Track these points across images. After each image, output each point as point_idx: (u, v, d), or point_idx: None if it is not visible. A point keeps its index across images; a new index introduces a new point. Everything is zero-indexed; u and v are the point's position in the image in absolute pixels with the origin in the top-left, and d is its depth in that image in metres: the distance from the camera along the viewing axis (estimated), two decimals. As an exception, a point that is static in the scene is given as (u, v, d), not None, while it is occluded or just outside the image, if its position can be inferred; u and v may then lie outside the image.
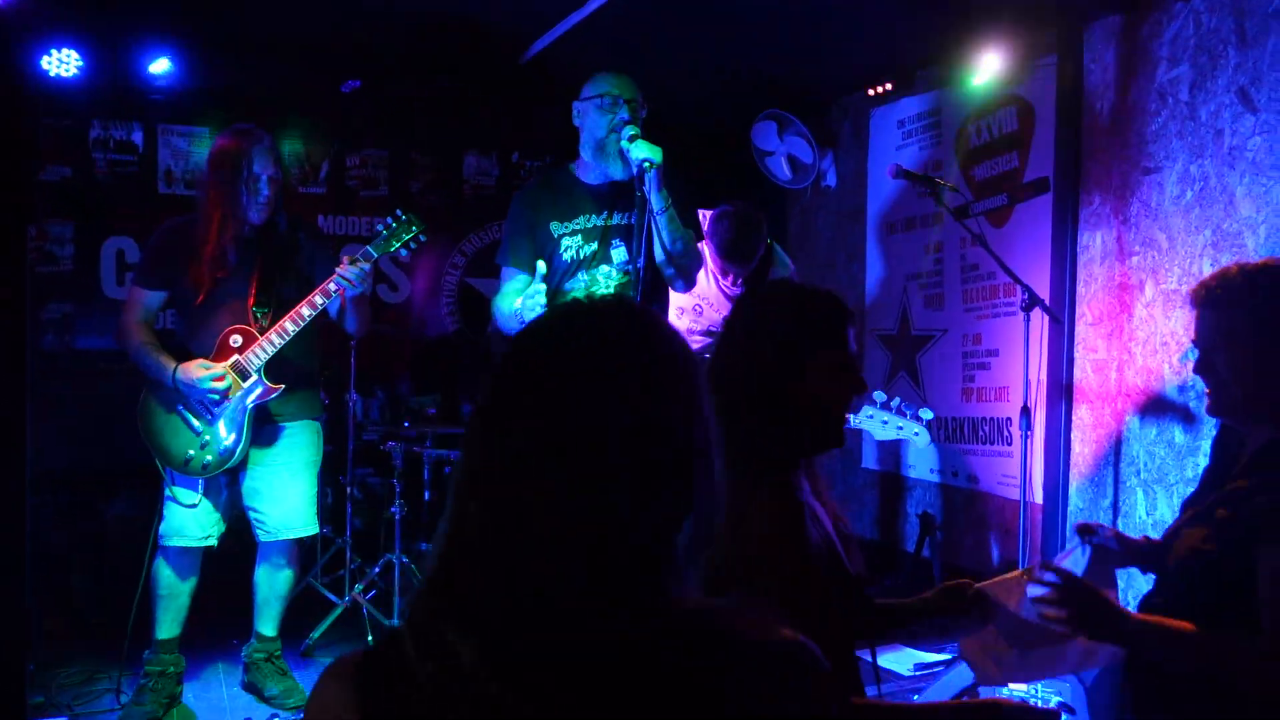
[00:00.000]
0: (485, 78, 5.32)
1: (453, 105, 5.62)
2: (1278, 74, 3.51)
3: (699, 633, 0.94)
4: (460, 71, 5.29)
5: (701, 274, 3.91)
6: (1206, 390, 1.89)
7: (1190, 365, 1.91)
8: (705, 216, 3.94)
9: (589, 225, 3.23)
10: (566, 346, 1.00)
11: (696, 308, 3.92)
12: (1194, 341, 1.89)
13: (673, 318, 3.94)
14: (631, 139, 3.02)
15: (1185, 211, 3.84)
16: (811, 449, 1.78)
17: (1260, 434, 1.83)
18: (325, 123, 5.55)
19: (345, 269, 3.35)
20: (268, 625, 3.62)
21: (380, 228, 3.51)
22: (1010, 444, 4.60)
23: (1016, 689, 3.19)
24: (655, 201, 3.00)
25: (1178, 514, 2.02)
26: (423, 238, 3.53)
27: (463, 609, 0.95)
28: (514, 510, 0.94)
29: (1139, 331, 4.02)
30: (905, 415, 3.30)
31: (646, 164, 2.96)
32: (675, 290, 3.33)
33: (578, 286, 3.23)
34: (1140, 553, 2.09)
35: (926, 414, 3.31)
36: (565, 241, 3.23)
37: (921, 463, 5.14)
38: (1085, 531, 2.06)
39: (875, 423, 3.36)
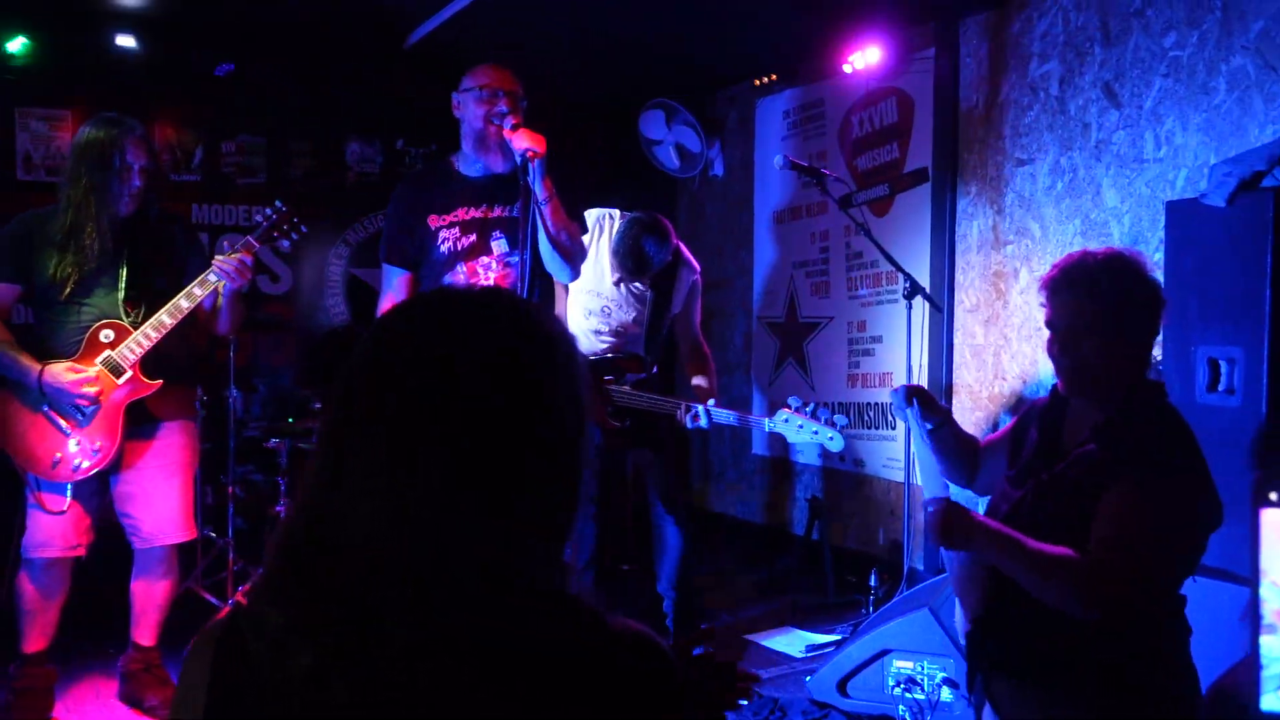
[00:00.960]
0: (368, 62, 5.20)
1: (334, 90, 5.46)
2: (1139, 71, 3.68)
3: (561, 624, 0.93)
4: (342, 56, 5.16)
5: (608, 276, 3.88)
6: (1057, 370, 2.00)
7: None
8: (612, 218, 3.91)
9: (467, 217, 3.19)
10: (447, 326, 0.97)
11: (604, 309, 3.87)
12: (1047, 325, 2.00)
13: (578, 319, 3.90)
14: (514, 128, 2.98)
15: (1056, 202, 3.99)
16: None
17: (1100, 409, 1.95)
18: (198, 107, 5.34)
19: (225, 261, 3.22)
20: (145, 635, 3.47)
21: (260, 218, 3.40)
22: (894, 428, 4.72)
23: (903, 665, 3.29)
24: (539, 191, 2.97)
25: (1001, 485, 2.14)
26: (304, 229, 3.44)
27: (303, 595, 0.93)
28: (387, 499, 0.92)
29: (1014, 317, 4.17)
30: (820, 420, 3.37)
31: (529, 153, 2.93)
32: (559, 280, 3.31)
33: (458, 278, 3.18)
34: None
35: (840, 419, 3.38)
36: (443, 234, 3.18)
37: (810, 448, 5.24)
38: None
39: (791, 427, 3.42)
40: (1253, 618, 0.83)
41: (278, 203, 3.43)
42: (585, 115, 5.82)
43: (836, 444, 3.38)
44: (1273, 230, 2.78)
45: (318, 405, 4.90)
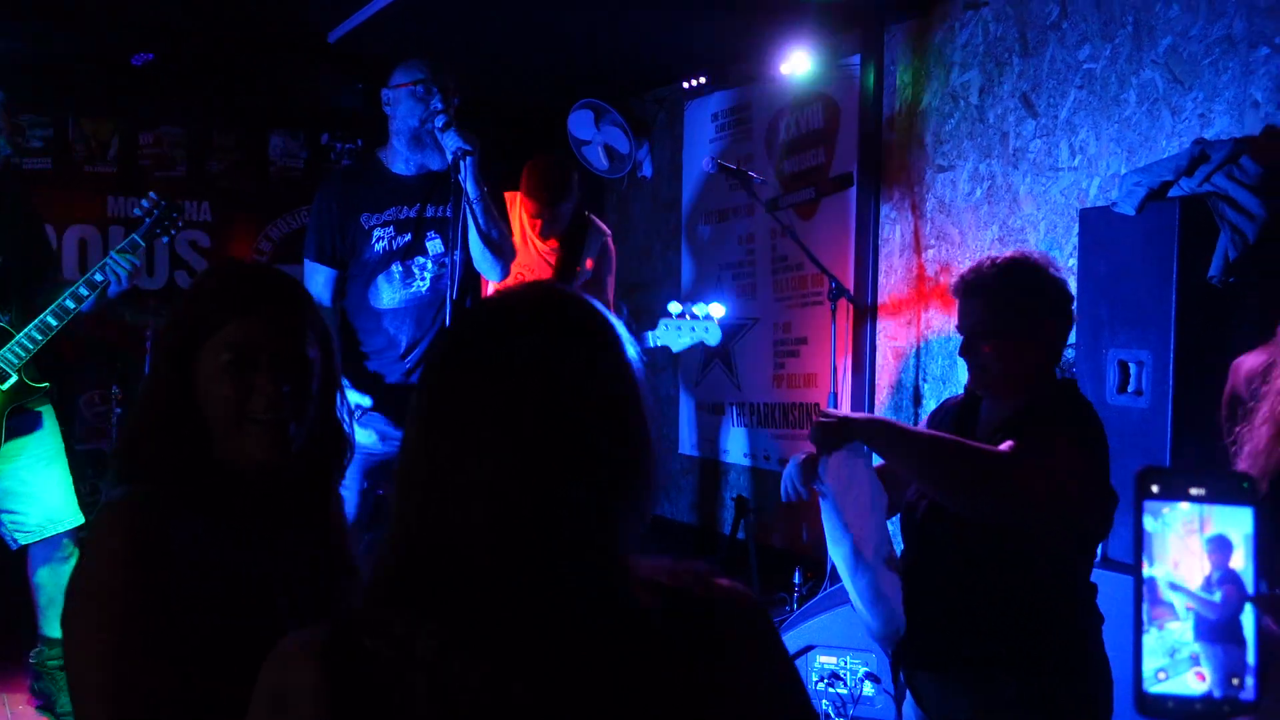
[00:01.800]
0: (292, 55, 5.11)
1: (257, 82, 5.36)
2: (1055, 82, 3.79)
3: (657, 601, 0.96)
4: (265, 48, 5.06)
5: (520, 241, 3.89)
6: (968, 370, 2.06)
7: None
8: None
9: (401, 216, 3.16)
10: (545, 324, 0.99)
11: (519, 276, 3.94)
12: (958, 328, 2.06)
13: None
14: (445, 126, 2.96)
15: (975, 208, 4.10)
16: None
17: (1012, 405, 2.01)
18: (114, 97, 5.19)
19: (118, 263, 3.12)
20: (56, 626, 3.37)
21: (138, 211, 3.28)
22: (818, 428, 4.79)
23: (826, 661, 3.34)
24: (471, 190, 2.96)
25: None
26: (180, 222, 3.35)
27: (416, 598, 0.94)
28: (466, 498, 0.94)
29: (935, 320, 4.27)
30: (696, 318, 3.42)
31: (461, 152, 2.92)
32: (490, 279, 3.30)
33: (392, 279, 3.15)
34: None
35: (718, 312, 3.43)
36: (377, 233, 3.14)
37: (736, 447, 5.30)
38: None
39: (671, 333, 3.48)
40: (1135, 605, 0.87)
41: (151, 194, 3.32)
42: (513, 114, 5.80)
43: (713, 336, 3.46)
44: (1178, 238, 2.90)
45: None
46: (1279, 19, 3.13)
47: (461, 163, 2.91)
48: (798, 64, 4.59)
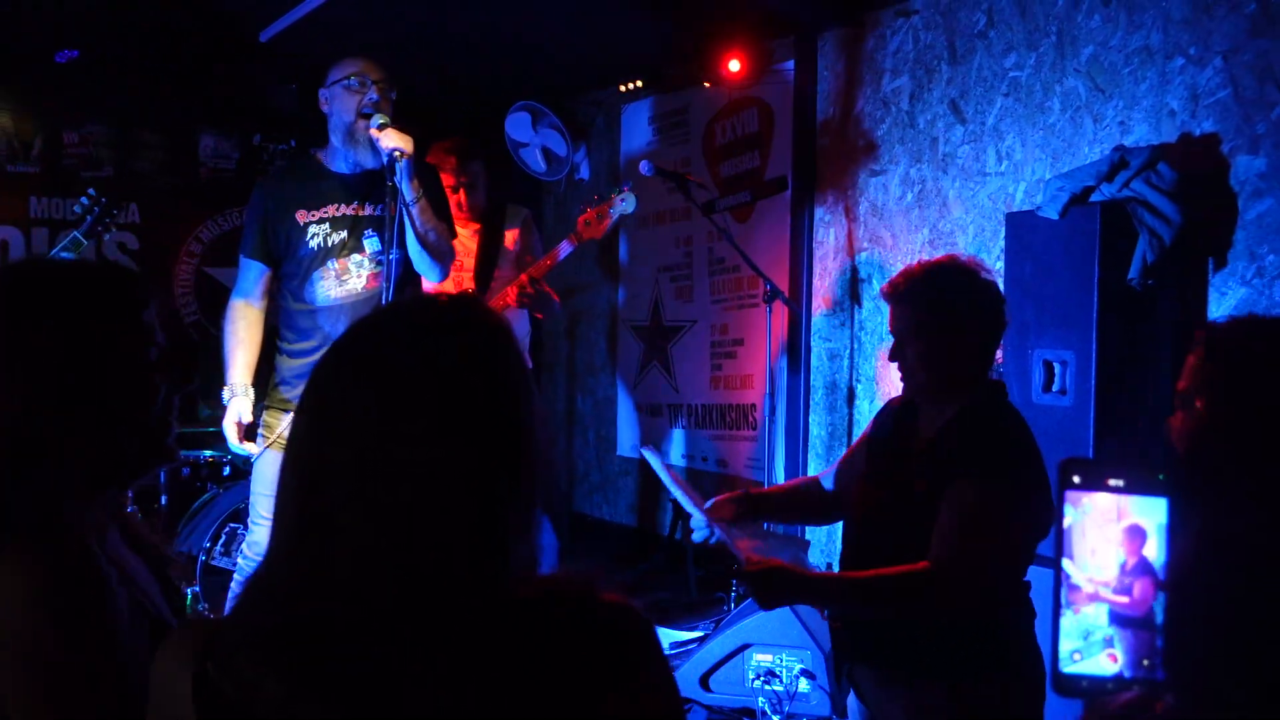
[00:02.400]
0: (224, 53, 5.03)
1: (187, 81, 5.26)
2: (982, 89, 3.89)
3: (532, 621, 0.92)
4: (196, 45, 4.97)
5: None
6: (900, 374, 2.10)
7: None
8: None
9: (338, 214, 3.14)
10: (415, 333, 0.96)
11: (458, 264, 4.05)
12: (891, 332, 2.10)
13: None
14: (381, 128, 2.95)
15: (907, 212, 4.18)
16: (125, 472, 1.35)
17: (946, 409, 2.05)
18: (37, 95, 5.06)
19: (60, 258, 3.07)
20: None
21: (78, 209, 3.23)
22: (755, 429, 4.85)
23: (762, 659, 3.38)
24: (407, 192, 2.95)
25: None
26: (121, 218, 3.31)
27: (269, 638, 0.90)
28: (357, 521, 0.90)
29: (868, 322, 4.34)
30: (622, 191, 3.85)
31: (397, 154, 2.91)
32: (430, 279, 3.29)
33: (327, 276, 3.12)
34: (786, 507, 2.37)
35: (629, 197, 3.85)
36: (311, 229, 3.12)
37: (674, 449, 5.33)
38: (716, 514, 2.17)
39: (595, 225, 3.82)
40: (1054, 590, 0.91)
41: (90, 190, 3.27)
42: (450, 115, 5.77)
43: (630, 204, 3.81)
44: (1100, 241, 2.99)
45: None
46: (1193, 31, 3.25)
47: (397, 164, 2.90)
48: (733, 69, 4.64)
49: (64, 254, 3.10)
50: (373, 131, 2.95)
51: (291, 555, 0.92)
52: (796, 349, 4.52)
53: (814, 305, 4.56)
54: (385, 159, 2.92)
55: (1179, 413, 1.37)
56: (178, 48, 5.01)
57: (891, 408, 2.24)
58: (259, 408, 3.22)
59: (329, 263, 3.12)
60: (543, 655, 0.89)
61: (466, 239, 4.06)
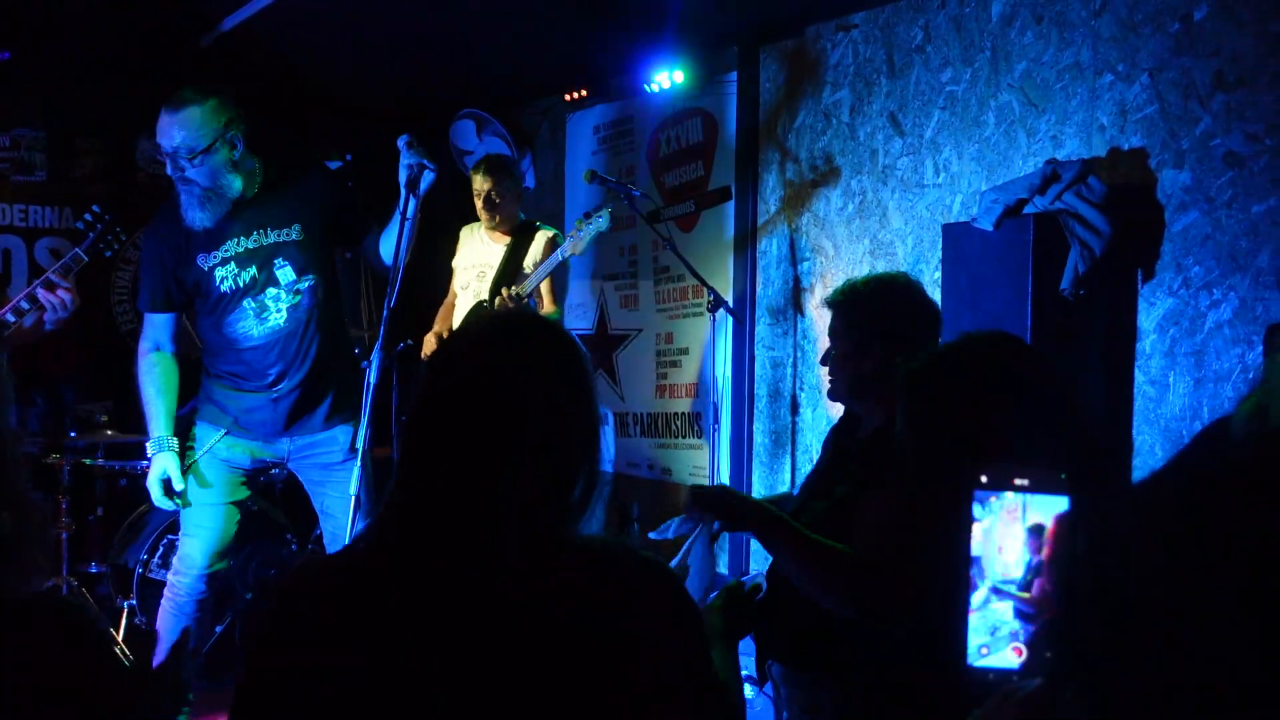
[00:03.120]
0: (163, 56, 4.95)
1: (124, 84, 5.17)
2: (920, 102, 3.96)
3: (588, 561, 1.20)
4: (135, 49, 4.89)
5: (475, 240, 4.22)
6: (829, 379, 2.16)
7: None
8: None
9: (240, 250, 3.04)
10: (502, 349, 1.26)
11: (480, 274, 4.04)
12: (829, 337, 2.17)
13: (459, 287, 4.20)
14: (410, 145, 2.90)
15: (848, 222, 4.25)
16: None
17: (871, 420, 2.11)
18: (-33, 98, 4.95)
19: (49, 295, 2.97)
20: None
21: (80, 225, 3.15)
22: (700, 436, 4.88)
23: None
24: (415, 206, 2.92)
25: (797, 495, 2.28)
26: (124, 236, 3.23)
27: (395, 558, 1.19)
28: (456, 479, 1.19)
29: (810, 331, 4.40)
30: (596, 215, 3.89)
31: (421, 166, 2.86)
32: (377, 267, 3.27)
33: (246, 316, 3.04)
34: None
35: (606, 211, 3.91)
36: (219, 273, 3.02)
37: (620, 456, 5.34)
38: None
39: (587, 236, 3.89)
40: (962, 587, 0.95)
41: (94, 207, 3.19)
42: (393, 122, 5.74)
43: (605, 221, 3.89)
44: (1032, 252, 3.07)
45: (102, 419, 4.62)
46: (1121, 49, 3.35)
47: (419, 179, 2.85)
48: (677, 80, 4.68)
49: (54, 275, 3.02)
50: (401, 148, 2.88)
51: (406, 499, 1.23)
52: (741, 357, 4.56)
53: (757, 314, 4.61)
54: (408, 174, 2.86)
55: None
56: (116, 50, 4.93)
57: (836, 424, 2.30)
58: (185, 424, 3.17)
59: (244, 302, 3.02)
60: (588, 581, 1.18)
61: (491, 253, 4.11)
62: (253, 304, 3.02)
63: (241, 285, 3.01)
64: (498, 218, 4.13)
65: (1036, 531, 0.93)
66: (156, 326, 3.10)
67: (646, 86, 4.81)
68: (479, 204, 4.14)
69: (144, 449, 4.36)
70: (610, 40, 4.64)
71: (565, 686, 1.13)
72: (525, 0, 4.21)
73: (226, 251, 3.01)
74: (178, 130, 2.91)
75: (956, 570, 0.94)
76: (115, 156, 5.35)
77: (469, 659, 1.13)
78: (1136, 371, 3.31)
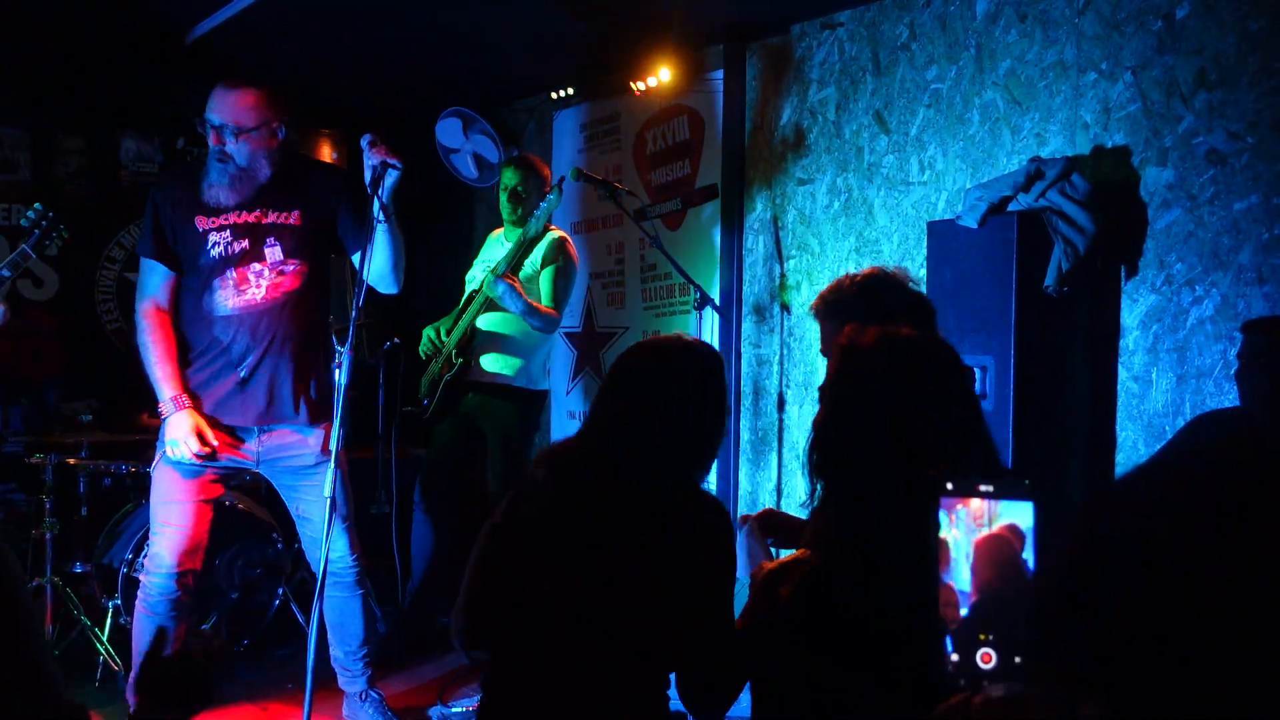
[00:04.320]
0: (146, 54, 4.93)
1: (108, 82, 5.15)
2: (905, 100, 3.98)
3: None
4: (118, 47, 4.87)
5: (501, 243, 4.26)
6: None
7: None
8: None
9: (240, 221, 3.09)
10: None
11: (487, 269, 4.09)
12: (823, 352, 2.13)
13: (469, 281, 4.23)
14: (372, 144, 2.94)
15: (834, 220, 4.26)
16: None
17: None
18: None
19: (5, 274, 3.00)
20: None
21: (24, 223, 3.16)
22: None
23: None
24: (387, 203, 2.94)
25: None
26: (66, 234, 3.26)
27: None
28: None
29: (797, 328, 4.41)
30: (549, 196, 3.93)
31: (381, 165, 2.89)
32: (385, 291, 3.26)
33: (227, 285, 3.06)
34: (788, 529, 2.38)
35: (554, 192, 3.94)
36: (212, 237, 3.07)
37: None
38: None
39: (543, 215, 3.93)
40: (931, 593, 0.96)
41: (37, 205, 3.21)
42: (379, 120, 5.73)
43: (553, 197, 3.93)
44: (1017, 250, 3.09)
45: (87, 419, 4.60)
46: (1104, 47, 3.37)
47: (383, 178, 2.89)
48: (663, 78, 4.69)
49: (5, 270, 3.03)
50: (364, 147, 2.94)
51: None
52: (728, 355, 4.57)
53: (744, 311, 4.62)
54: (369, 172, 2.90)
55: None
56: (98, 48, 4.90)
57: None
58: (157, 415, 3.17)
59: (229, 272, 3.07)
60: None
61: (504, 250, 4.12)
62: (233, 274, 3.06)
63: (229, 254, 3.04)
64: (520, 212, 4.16)
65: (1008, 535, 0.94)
66: (153, 280, 3.11)
67: (633, 85, 4.81)
68: (504, 197, 4.16)
69: (128, 448, 4.37)
70: (597, 38, 4.64)
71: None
72: (511, -2, 4.20)
73: (225, 220, 3.05)
74: (230, 106, 3.02)
75: (925, 578, 0.95)
76: (99, 155, 5.32)
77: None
78: (1120, 368, 3.34)
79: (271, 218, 3.08)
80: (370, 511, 4.50)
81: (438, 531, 4.16)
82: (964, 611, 0.93)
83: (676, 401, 1.88)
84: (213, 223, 3.06)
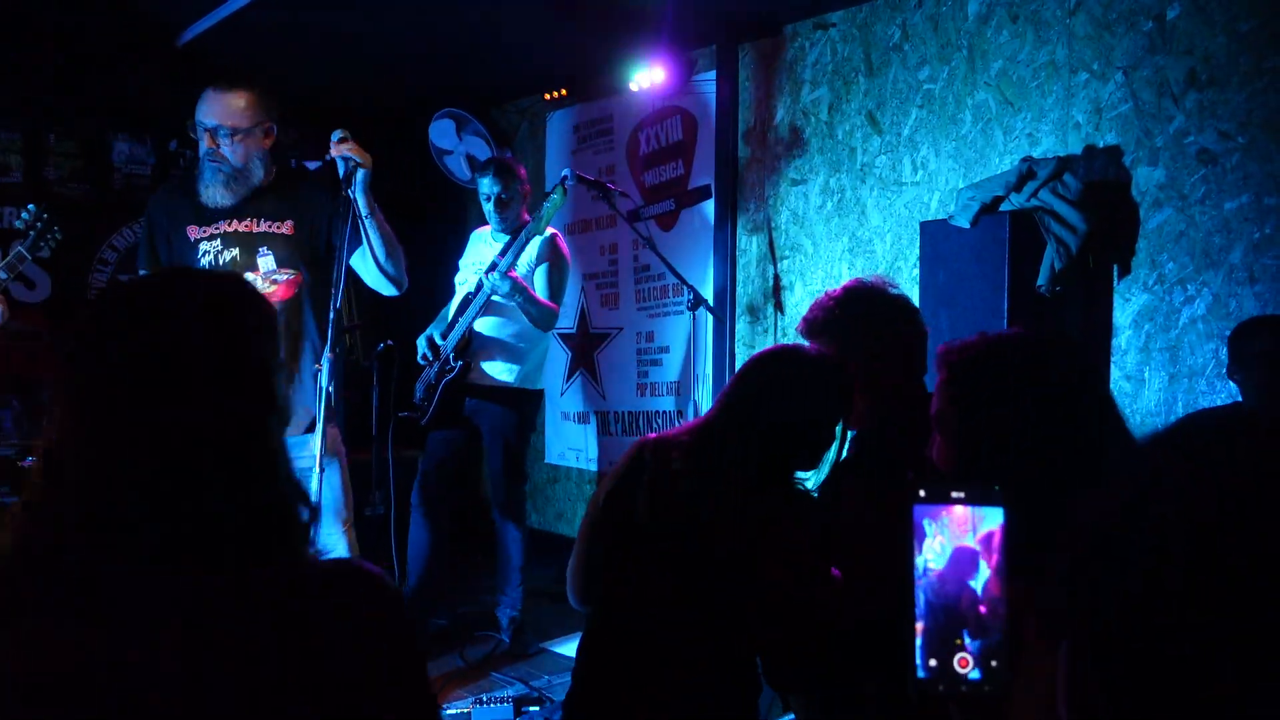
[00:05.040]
0: (139, 56, 4.92)
1: (100, 85, 5.14)
2: (898, 100, 3.99)
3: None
4: (109, 50, 4.86)
5: (480, 242, 4.20)
6: None
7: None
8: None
9: (230, 230, 3.08)
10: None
11: (478, 271, 4.06)
12: None
13: (458, 284, 4.20)
14: (341, 140, 2.94)
15: (827, 220, 4.27)
16: None
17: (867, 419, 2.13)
18: (-60, 98, 4.89)
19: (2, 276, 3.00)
20: None
21: (19, 224, 3.16)
22: (681, 434, 4.89)
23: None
24: (362, 205, 2.94)
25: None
26: (59, 235, 3.25)
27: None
28: None
29: (790, 328, 4.42)
30: (558, 188, 3.86)
31: (352, 165, 2.89)
32: (385, 293, 3.26)
33: None
34: None
35: (565, 173, 3.89)
36: (203, 246, 3.06)
37: (602, 456, 5.35)
38: None
39: (550, 210, 3.85)
40: (909, 599, 0.98)
41: (30, 206, 3.20)
42: (372, 122, 5.73)
43: (557, 197, 3.84)
44: (1009, 250, 3.10)
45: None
46: (1096, 47, 3.38)
47: (353, 176, 2.90)
48: (656, 78, 4.69)
49: (1, 272, 3.03)
50: (332, 145, 2.94)
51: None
52: (722, 356, 4.58)
53: (738, 312, 4.63)
54: (341, 171, 2.91)
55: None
56: (90, 50, 4.89)
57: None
58: None
59: None
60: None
61: (493, 252, 4.09)
62: None
63: (218, 263, 3.04)
64: (505, 218, 4.11)
65: (984, 543, 0.95)
66: None
67: (626, 85, 4.82)
68: (489, 206, 4.10)
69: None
70: (589, 39, 4.64)
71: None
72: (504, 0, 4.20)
73: (216, 229, 3.04)
74: (223, 108, 3.02)
75: (904, 583, 0.96)
76: (91, 157, 5.31)
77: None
78: (1112, 367, 3.35)
79: (264, 226, 3.07)
80: (365, 513, 4.50)
81: (435, 534, 4.15)
82: (937, 618, 0.95)
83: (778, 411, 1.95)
84: (204, 232, 3.05)
